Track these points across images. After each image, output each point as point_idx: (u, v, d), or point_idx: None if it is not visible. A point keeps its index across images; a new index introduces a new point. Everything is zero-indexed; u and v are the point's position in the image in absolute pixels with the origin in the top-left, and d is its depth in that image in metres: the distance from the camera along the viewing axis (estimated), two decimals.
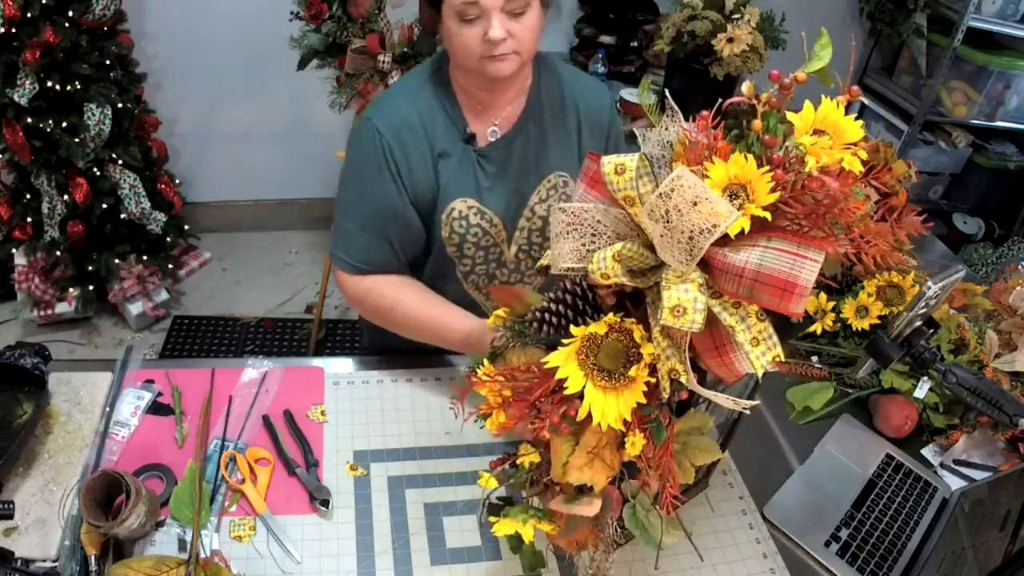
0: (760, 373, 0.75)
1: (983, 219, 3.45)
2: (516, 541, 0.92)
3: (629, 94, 2.55)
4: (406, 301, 1.27)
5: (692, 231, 0.72)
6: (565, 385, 0.79)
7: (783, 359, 0.75)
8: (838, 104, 0.75)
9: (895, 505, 1.26)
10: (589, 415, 0.78)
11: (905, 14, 3.03)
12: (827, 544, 1.17)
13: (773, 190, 0.72)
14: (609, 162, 0.79)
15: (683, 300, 0.72)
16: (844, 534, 1.19)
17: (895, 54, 3.33)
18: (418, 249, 1.31)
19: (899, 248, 0.77)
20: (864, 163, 0.74)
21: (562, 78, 1.31)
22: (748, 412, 0.81)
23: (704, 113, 0.79)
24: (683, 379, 0.75)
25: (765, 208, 0.72)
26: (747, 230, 0.71)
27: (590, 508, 0.83)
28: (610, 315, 0.79)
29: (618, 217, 0.81)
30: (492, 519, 0.90)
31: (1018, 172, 3.37)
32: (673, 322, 0.72)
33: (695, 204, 0.71)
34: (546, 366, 0.80)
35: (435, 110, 1.22)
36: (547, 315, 0.85)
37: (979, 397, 1.05)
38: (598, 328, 0.79)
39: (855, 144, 0.74)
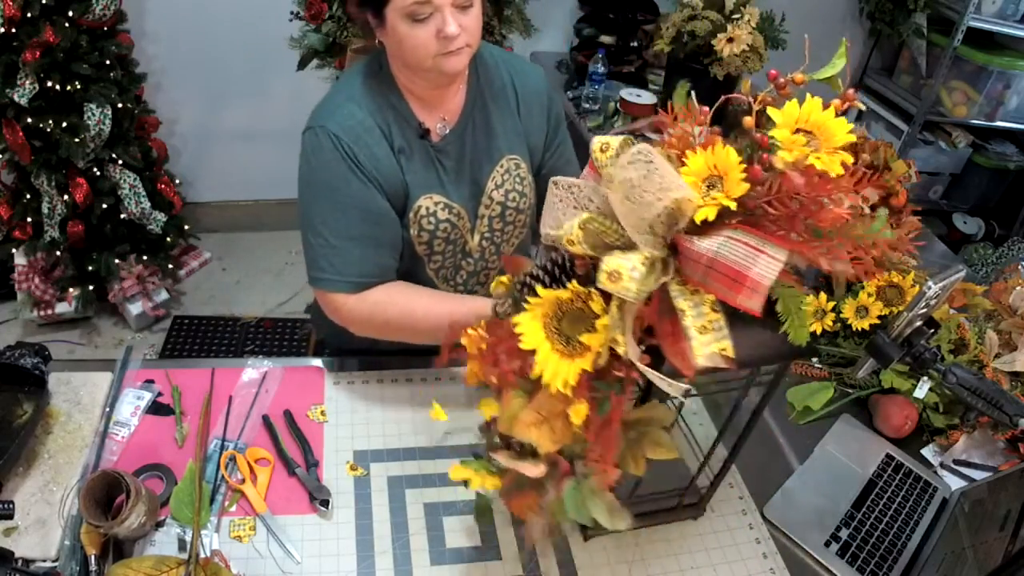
0: (699, 362, 0.75)
1: (983, 219, 3.46)
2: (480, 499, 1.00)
3: (629, 94, 2.55)
4: (419, 304, 1.21)
5: (649, 202, 0.74)
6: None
7: (731, 355, 0.75)
8: (837, 110, 0.75)
9: (895, 505, 1.26)
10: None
11: (905, 14, 3.03)
12: (827, 544, 1.18)
13: (753, 188, 0.73)
14: (597, 140, 0.81)
15: (620, 266, 0.74)
16: (844, 534, 1.19)
17: (895, 54, 3.34)
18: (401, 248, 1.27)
19: (874, 263, 0.77)
20: (867, 165, 0.74)
21: (496, 61, 1.30)
22: (683, 400, 0.81)
23: (705, 109, 0.79)
24: (620, 349, 0.76)
25: (740, 202, 0.73)
26: (711, 218, 0.73)
27: (533, 470, 0.86)
28: (574, 283, 0.81)
29: (606, 196, 0.83)
30: (453, 467, 0.95)
31: (1018, 172, 3.38)
32: (609, 286, 0.74)
33: (647, 176, 0.73)
34: (515, 326, 0.83)
35: (384, 109, 1.20)
36: (531, 280, 0.88)
37: (979, 397, 1.05)
38: (562, 293, 0.81)
39: (842, 148, 0.74)
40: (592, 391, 0.82)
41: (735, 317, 0.82)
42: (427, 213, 1.24)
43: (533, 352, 0.81)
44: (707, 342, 0.75)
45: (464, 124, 1.26)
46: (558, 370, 0.80)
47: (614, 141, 0.80)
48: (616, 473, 0.85)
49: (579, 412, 0.81)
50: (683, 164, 0.77)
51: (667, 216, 0.74)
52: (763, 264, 0.71)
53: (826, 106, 0.75)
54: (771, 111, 0.74)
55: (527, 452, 0.88)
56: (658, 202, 0.73)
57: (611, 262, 0.75)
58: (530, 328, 0.82)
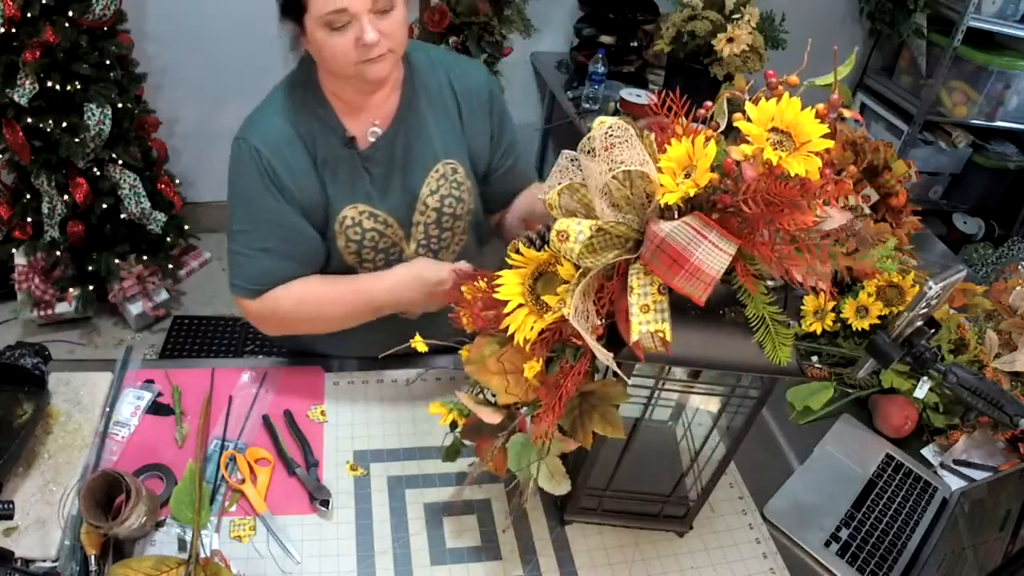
0: (634, 338, 0.79)
1: (983, 219, 3.46)
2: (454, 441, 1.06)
3: (629, 94, 2.55)
4: (312, 290, 1.22)
5: (604, 170, 0.78)
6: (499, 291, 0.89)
7: (667, 338, 0.79)
8: (820, 114, 0.75)
9: (895, 505, 1.26)
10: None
11: (905, 14, 3.03)
12: (827, 544, 1.18)
13: (723, 181, 0.76)
14: (599, 120, 0.83)
15: (569, 228, 0.79)
16: (844, 534, 1.19)
17: (895, 54, 3.34)
18: (323, 262, 1.27)
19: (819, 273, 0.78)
20: (869, 165, 0.75)
21: (434, 63, 1.27)
22: (618, 371, 0.84)
23: (708, 104, 0.80)
24: (566, 311, 0.80)
25: (720, 199, 0.75)
26: (671, 202, 0.76)
27: (491, 416, 0.92)
28: (550, 248, 0.85)
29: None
30: (432, 404, 1.02)
31: (1018, 172, 3.38)
32: (556, 244, 0.79)
33: (614, 146, 0.77)
34: (498, 280, 0.89)
35: (310, 120, 1.19)
36: (528, 243, 0.95)
37: (979, 397, 1.05)
38: (543, 255, 0.87)
39: (847, 148, 0.75)
40: (551, 352, 0.88)
41: (713, 318, 0.85)
42: (352, 223, 1.23)
43: (504, 302, 0.88)
44: (645, 321, 0.78)
45: (396, 128, 1.23)
46: (523, 325, 0.86)
47: (608, 120, 0.82)
48: (570, 443, 0.91)
49: (532, 368, 0.87)
50: (663, 152, 0.79)
51: (631, 192, 0.78)
52: (705, 250, 0.73)
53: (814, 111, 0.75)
54: (748, 107, 0.74)
55: (492, 402, 0.95)
56: (610, 171, 0.77)
57: (563, 222, 0.79)
58: (510, 282, 0.88)
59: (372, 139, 1.22)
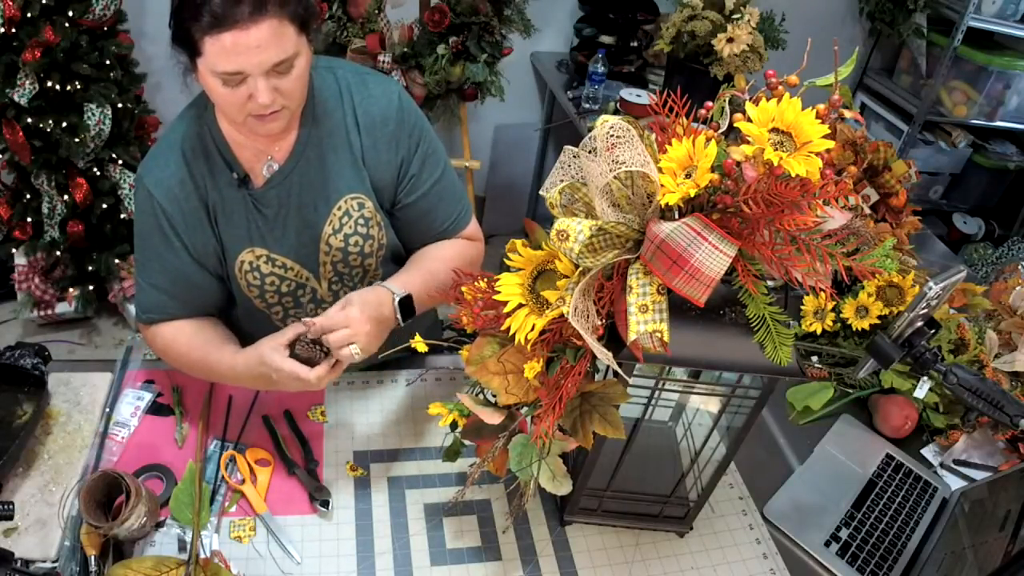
0: (632, 337, 0.79)
1: (983, 219, 3.45)
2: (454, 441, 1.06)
3: (629, 94, 2.55)
4: (183, 336, 1.19)
5: (605, 170, 0.78)
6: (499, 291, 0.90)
7: (665, 339, 0.79)
8: (821, 114, 0.75)
9: (895, 505, 1.26)
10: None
11: (905, 14, 3.03)
12: (827, 544, 1.18)
13: (722, 182, 0.76)
14: (601, 119, 0.82)
15: (569, 227, 0.79)
16: (844, 534, 1.19)
17: (895, 54, 3.33)
18: (219, 302, 1.25)
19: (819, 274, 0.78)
20: (869, 165, 0.75)
21: (340, 87, 1.17)
22: (619, 371, 0.84)
23: (708, 104, 0.80)
24: (564, 309, 0.80)
25: (720, 199, 0.76)
26: (672, 203, 0.76)
27: (491, 416, 0.92)
28: (549, 246, 0.86)
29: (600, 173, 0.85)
30: (432, 405, 1.01)
31: (1018, 172, 3.38)
32: (556, 243, 0.79)
33: (615, 146, 0.77)
34: (498, 283, 0.90)
35: (204, 158, 1.13)
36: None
37: (980, 398, 1.05)
38: (540, 253, 0.88)
39: (846, 148, 0.75)
40: (551, 352, 0.89)
41: (713, 318, 0.85)
42: (250, 268, 1.19)
43: (504, 302, 0.88)
44: (644, 321, 0.78)
45: (294, 163, 1.15)
46: (524, 325, 0.86)
47: (612, 119, 0.82)
48: (571, 443, 0.92)
49: (532, 368, 0.87)
50: (663, 153, 0.79)
51: (633, 192, 0.78)
52: (705, 252, 0.73)
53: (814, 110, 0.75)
54: (748, 107, 0.75)
55: (492, 403, 0.95)
56: (611, 172, 0.77)
57: (563, 222, 0.79)
58: (509, 283, 0.89)
59: (268, 174, 1.16)
